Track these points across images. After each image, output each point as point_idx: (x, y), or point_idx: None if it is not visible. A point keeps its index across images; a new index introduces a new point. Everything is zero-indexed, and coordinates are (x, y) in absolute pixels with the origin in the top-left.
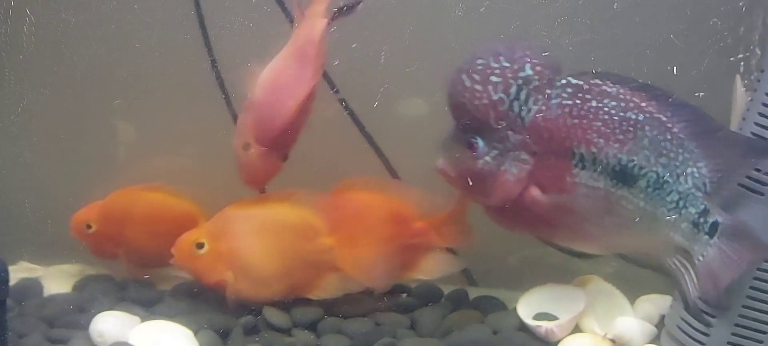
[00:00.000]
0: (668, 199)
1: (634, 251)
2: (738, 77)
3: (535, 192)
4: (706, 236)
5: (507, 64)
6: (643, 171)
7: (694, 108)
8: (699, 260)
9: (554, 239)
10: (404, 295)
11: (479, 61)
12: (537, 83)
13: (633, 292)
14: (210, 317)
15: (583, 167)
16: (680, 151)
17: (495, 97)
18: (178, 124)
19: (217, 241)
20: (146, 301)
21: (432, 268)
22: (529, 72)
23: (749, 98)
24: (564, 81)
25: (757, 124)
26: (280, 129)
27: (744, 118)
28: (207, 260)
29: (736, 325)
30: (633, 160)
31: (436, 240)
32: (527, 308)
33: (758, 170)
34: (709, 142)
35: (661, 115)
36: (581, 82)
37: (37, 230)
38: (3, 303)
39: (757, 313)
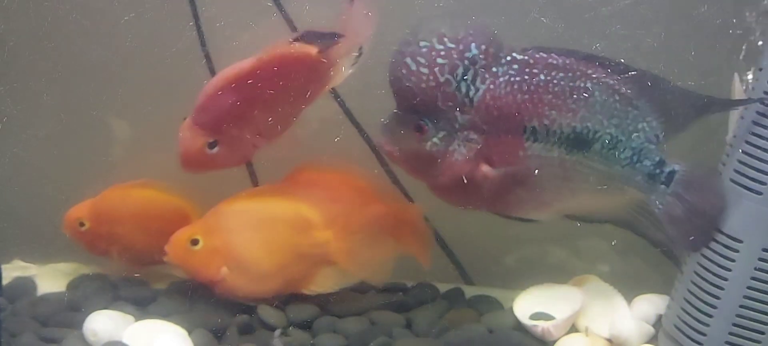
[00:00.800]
0: (622, 156)
1: (590, 211)
2: (736, 75)
3: (485, 169)
4: (663, 186)
5: (452, 46)
6: (597, 135)
7: (640, 70)
8: (658, 209)
9: (508, 211)
10: (400, 293)
11: (423, 44)
12: (483, 62)
13: (630, 291)
14: (204, 316)
15: (536, 140)
16: (630, 109)
17: (442, 80)
18: (172, 121)
19: (212, 237)
20: (140, 300)
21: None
22: (475, 51)
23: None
24: (509, 57)
25: (755, 123)
26: (202, 101)
27: (742, 117)
28: (202, 257)
29: (735, 324)
30: (587, 127)
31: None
32: (524, 307)
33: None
34: (658, 97)
35: (608, 79)
36: (526, 57)
37: (31, 228)
38: None
39: (755, 313)
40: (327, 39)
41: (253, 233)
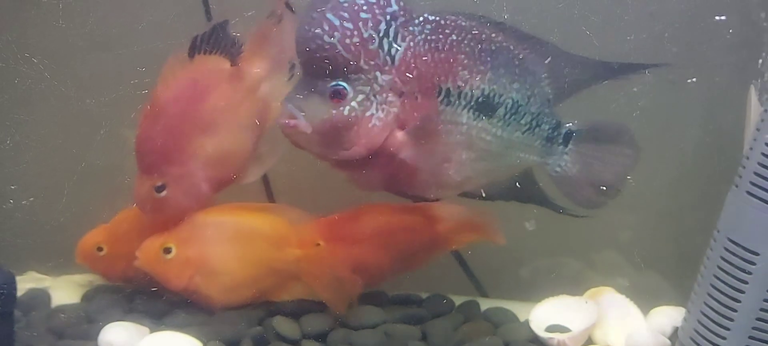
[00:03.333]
0: (523, 122)
1: (485, 184)
2: (752, 88)
3: (399, 135)
4: (561, 147)
5: (373, 0)
6: (502, 99)
7: (534, 37)
8: (556, 172)
9: (411, 189)
10: (415, 306)
11: (344, 0)
12: (403, 19)
13: (646, 304)
14: (219, 328)
15: (448, 104)
16: (527, 75)
17: (366, 35)
18: None
19: (185, 246)
20: (155, 312)
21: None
22: (395, 7)
23: (764, 109)
24: (422, 17)
25: None
26: (137, 147)
27: (758, 129)
28: (174, 265)
29: (751, 337)
30: (493, 90)
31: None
32: (539, 319)
33: None
34: (551, 63)
35: (508, 44)
36: (439, 18)
37: (46, 239)
38: (10, 315)
39: None
40: (227, 46)
41: (226, 245)
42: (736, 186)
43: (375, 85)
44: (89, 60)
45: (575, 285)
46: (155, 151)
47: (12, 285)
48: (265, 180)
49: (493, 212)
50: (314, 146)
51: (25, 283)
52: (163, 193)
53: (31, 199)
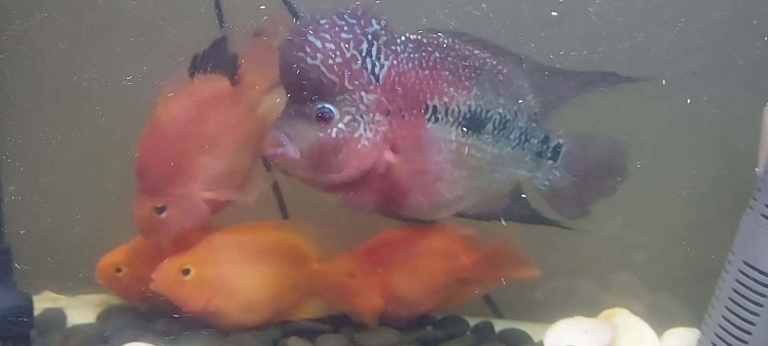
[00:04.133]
0: (512, 136)
1: (477, 202)
2: (767, 109)
3: (389, 156)
4: (551, 161)
5: (353, 21)
6: (489, 114)
7: (517, 54)
8: (544, 185)
9: (404, 210)
10: (429, 327)
11: (324, 22)
12: (385, 38)
13: (661, 325)
14: None
15: (436, 120)
16: (512, 89)
17: (348, 55)
18: None
19: (204, 267)
20: (170, 332)
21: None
22: (377, 26)
23: None
24: (404, 37)
25: None
26: (138, 168)
27: None
28: (192, 287)
29: None
30: (480, 105)
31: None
32: (554, 340)
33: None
34: (535, 78)
35: (491, 60)
36: (420, 37)
37: (62, 259)
38: (27, 336)
39: None
40: (227, 65)
41: (246, 264)
42: (751, 209)
43: (361, 106)
44: (108, 84)
45: (590, 307)
46: (156, 172)
47: (29, 307)
48: (279, 197)
49: (517, 243)
50: (304, 172)
51: (41, 303)
52: (164, 214)
53: (49, 219)
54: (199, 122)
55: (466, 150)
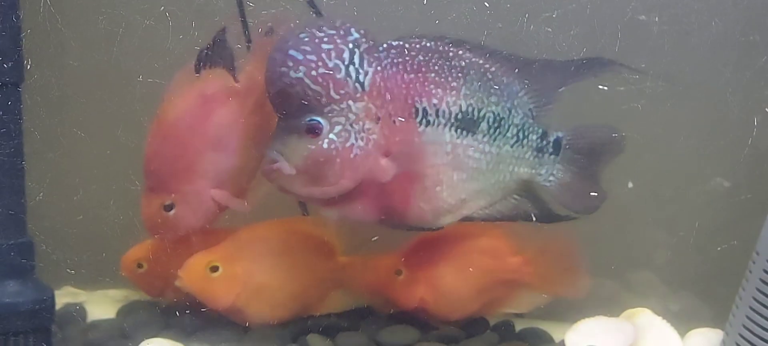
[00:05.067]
0: (509, 134)
1: (481, 204)
2: None
3: (384, 162)
4: (553, 156)
5: (332, 31)
6: (482, 112)
7: (504, 52)
8: (550, 182)
9: (407, 218)
10: (450, 326)
11: (303, 35)
12: (366, 46)
13: (683, 325)
14: (254, 344)
15: (428, 123)
16: (502, 86)
17: (331, 65)
18: None
19: (231, 264)
20: (190, 328)
21: (522, 301)
22: (356, 35)
23: None
24: (386, 45)
25: None
26: (146, 165)
27: None
28: (220, 283)
29: None
30: (471, 104)
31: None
32: (575, 340)
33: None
34: (525, 73)
35: (478, 59)
36: (401, 43)
37: (82, 254)
38: (48, 330)
39: None
40: (226, 59)
41: (274, 259)
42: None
43: (350, 114)
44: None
45: (611, 306)
46: (163, 169)
47: (50, 300)
48: None
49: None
50: (300, 187)
51: (62, 298)
52: (172, 211)
53: (81, 217)
54: (206, 118)
55: (463, 151)
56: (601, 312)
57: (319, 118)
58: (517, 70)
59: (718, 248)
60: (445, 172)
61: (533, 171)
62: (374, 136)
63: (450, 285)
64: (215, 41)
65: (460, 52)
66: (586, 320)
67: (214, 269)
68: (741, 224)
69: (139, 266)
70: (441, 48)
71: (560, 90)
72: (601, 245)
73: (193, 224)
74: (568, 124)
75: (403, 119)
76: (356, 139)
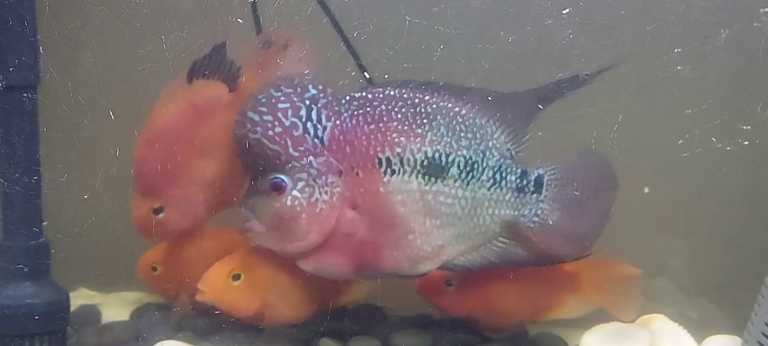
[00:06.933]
0: (484, 178)
1: (462, 250)
2: None
3: (350, 214)
4: (535, 195)
5: (289, 90)
6: (451, 158)
7: (473, 89)
8: (534, 222)
9: (383, 268)
10: (463, 330)
11: (260, 96)
12: (324, 100)
13: (700, 332)
14: None
15: (393, 172)
16: (474, 130)
17: (287, 123)
18: None
19: (253, 270)
20: (204, 330)
21: (572, 308)
22: (313, 91)
23: None
24: (347, 97)
25: None
26: (136, 169)
27: None
28: (243, 292)
29: None
30: (438, 150)
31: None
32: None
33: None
34: (497, 112)
35: (446, 103)
36: (363, 93)
37: (97, 256)
38: (63, 332)
39: None
40: (226, 72)
41: (292, 261)
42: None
43: (312, 170)
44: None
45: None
46: (152, 174)
47: (66, 302)
48: None
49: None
50: (273, 243)
51: (77, 299)
52: (161, 215)
53: (93, 219)
54: (196, 126)
55: (433, 197)
56: (616, 318)
57: (282, 176)
58: (491, 109)
59: (732, 255)
60: (416, 219)
61: (516, 212)
62: (338, 189)
63: (501, 299)
64: (212, 54)
65: (427, 97)
66: (602, 325)
67: (236, 277)
68: (759, 230)
69: (154, 268)
70: (406, 95)
71: (535, 118)
72: (617, 250)
73: (182, 228)
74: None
75: (366, 170)
76: (320, 193)
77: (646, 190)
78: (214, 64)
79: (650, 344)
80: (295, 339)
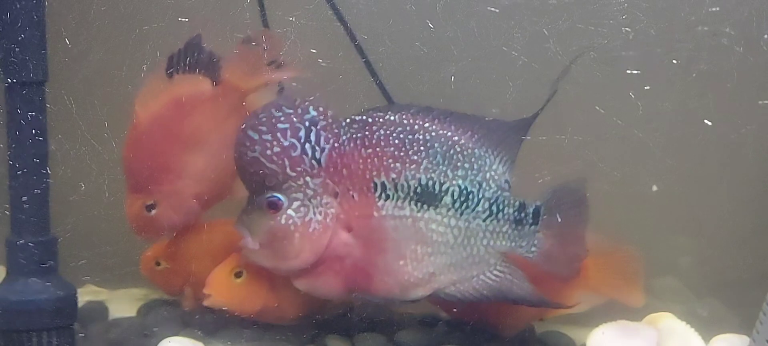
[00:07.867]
0: (479, 209)
1: (454, 279)
2: None
3: (344, 236)
4: (533, 226)
5: (290, 111)
6: (445, 186)
7: (472, 117)
8: (532, 253)
9: (374, 292)
10: (469, 328)
11: (261, 115)
12: (324, 123)
13: (708, 331)
14: (274, 343)
15: (387, 197)
16: (473, 160)
17: (286, 143)
18: None
19: (254, 266)
20: (211, 326)
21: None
22: (313, 113)
23: None
24: (348, 120)
25: None
26: (125, 166)
27: None
28: (247, 288)
29: None
30: (432, 178)
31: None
32: (598, 344)
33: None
34: (496, 141)
35: (445, 132)
36: (364, 117)
37: (104, 252)
38: (71, 327)
39: None
40: (206, 65)
41: None
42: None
43: (307, 190)
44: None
45: (634, 310)
46: (142, 170)
47: (73, 298)
48: None
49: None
50: (266, 261)
51: (84, 296)
52: (154, 212)
53: (97, 213)
54: (179, 120)
55: (425, 225)
56: (623, 316)
57: (278, 195)
58: (489, 140)
59: (740, 253)
60: (407, 246)
61: (513, 244)
62: (333, 210)
63: None
64: (187, 47)
65: (426, 123)
66: (609, 324)
67: (239, 274)
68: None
69: (157, 264)
70: (405, 120)
71: (516, 149)
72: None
73: (175, 223)
74: None
75: (361, 194)
76: (315, 213)
77: (655, 188)
78: (192, 58)
79: (658, 342)
80: (300, 336)
